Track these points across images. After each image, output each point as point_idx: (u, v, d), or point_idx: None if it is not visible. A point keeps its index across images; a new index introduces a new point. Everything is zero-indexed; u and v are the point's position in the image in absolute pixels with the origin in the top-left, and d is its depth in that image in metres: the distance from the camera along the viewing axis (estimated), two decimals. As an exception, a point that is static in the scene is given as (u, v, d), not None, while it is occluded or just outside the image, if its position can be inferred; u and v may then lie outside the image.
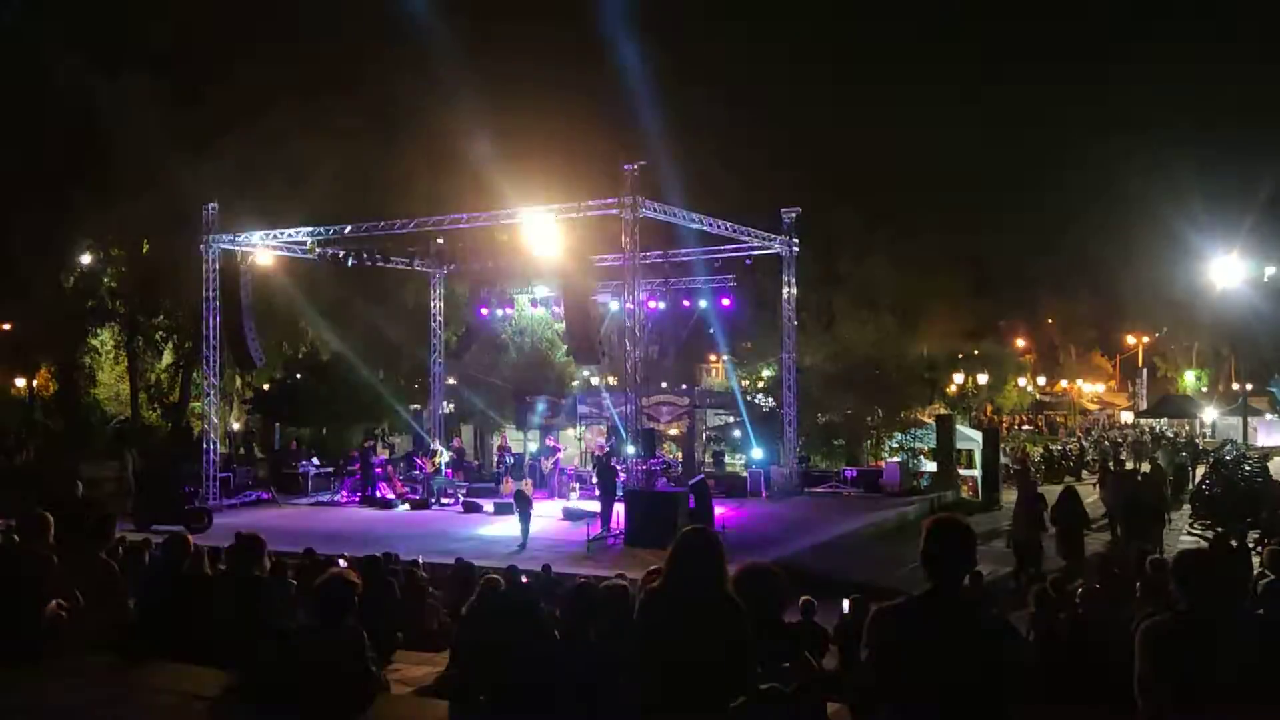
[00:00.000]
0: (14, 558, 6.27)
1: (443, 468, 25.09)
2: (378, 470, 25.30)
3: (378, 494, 24.60)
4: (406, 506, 23.86)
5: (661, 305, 29.03)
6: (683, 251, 26.97)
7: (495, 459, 28.38)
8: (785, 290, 26.48)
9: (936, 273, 40.44)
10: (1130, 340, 69.92)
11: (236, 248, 24.73)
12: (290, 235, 24.58)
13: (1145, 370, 65.17)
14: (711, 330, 30.84)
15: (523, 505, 19.39)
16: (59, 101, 29.48)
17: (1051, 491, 19.64)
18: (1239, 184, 50.92)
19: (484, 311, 30.93)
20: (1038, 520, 17.27)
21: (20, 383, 36.10)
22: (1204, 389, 58.65)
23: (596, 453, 24.54)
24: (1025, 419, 56.47)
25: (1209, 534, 18.40)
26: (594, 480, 22.16)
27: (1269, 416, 47.73)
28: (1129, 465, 32.59)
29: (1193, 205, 47.41)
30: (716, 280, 27.38)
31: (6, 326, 35.34)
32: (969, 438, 30.00)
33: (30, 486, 20.32)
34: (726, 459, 31.22)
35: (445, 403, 30.83)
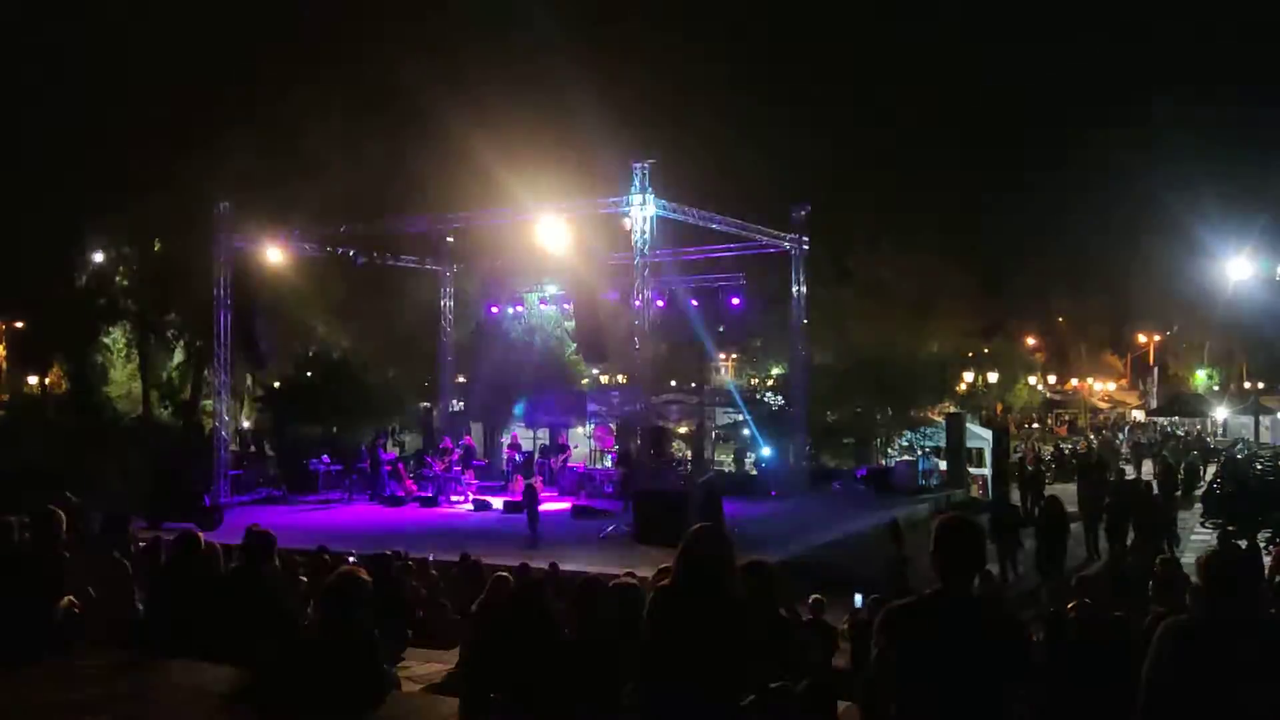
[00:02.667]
0: (28, 556, 6.30)
1: (452, 466, 25.13)
2: (387, 468, 25.35)
3: (388, 492, 24.65)
4: (416, 504, 23.91)
5: (671, 303, 29.00)
6: (692, 249, 26.92)
7: (505, 457, 28.40)
8: (795, 288, 26.43)
9: (947, 270, 40.31)
10: (1141, 338, 69.62)
11: (247, 246, 24.80)
12: (301, 233, 24.62)
13: (1156, 369, 64.91)
14: (721, 328, 30.77)
15: (532, 502, 19.43)
16: (71, 100, 29.63)
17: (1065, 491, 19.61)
18: (1252, 181, 50.67)
19: (494, 309, 30.96)
20: None
21: (33, 380, 36.31)
22: (1215, 387, 58.39)
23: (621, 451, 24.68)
24: (1036, 418, 56.30)
25: (1218, 533, 18.30)
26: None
27: (1281, 415, 47.44)
28: (1145, 465, 32.48)
29: (1205, 203, 47.21)
30: (726, 278, 27.34)
31: (20, 325, 35.55)
32: (979, 436, 29.94)
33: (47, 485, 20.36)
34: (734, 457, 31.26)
35: (455, 400, 30.87)
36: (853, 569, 15.90)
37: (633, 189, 20.08)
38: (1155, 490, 19.62)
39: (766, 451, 27.08)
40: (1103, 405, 65.84)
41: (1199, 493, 24.76)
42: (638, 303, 21.19)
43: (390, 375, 33.02)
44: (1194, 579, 4.21)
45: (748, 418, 27.98)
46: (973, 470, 29.04)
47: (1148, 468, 32.22)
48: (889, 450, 32.92)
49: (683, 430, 31.38)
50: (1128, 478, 24.06)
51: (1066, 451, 37.54)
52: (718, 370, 52.84)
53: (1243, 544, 14.69)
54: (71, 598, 6.20)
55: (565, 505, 22.70)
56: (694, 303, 29.39)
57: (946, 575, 3.62)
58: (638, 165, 20.15)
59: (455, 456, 25.38)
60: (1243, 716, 3.60)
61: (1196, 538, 19.67)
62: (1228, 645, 3.68)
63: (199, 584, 6.70)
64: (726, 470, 25.93)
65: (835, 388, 31.52)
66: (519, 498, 21.25)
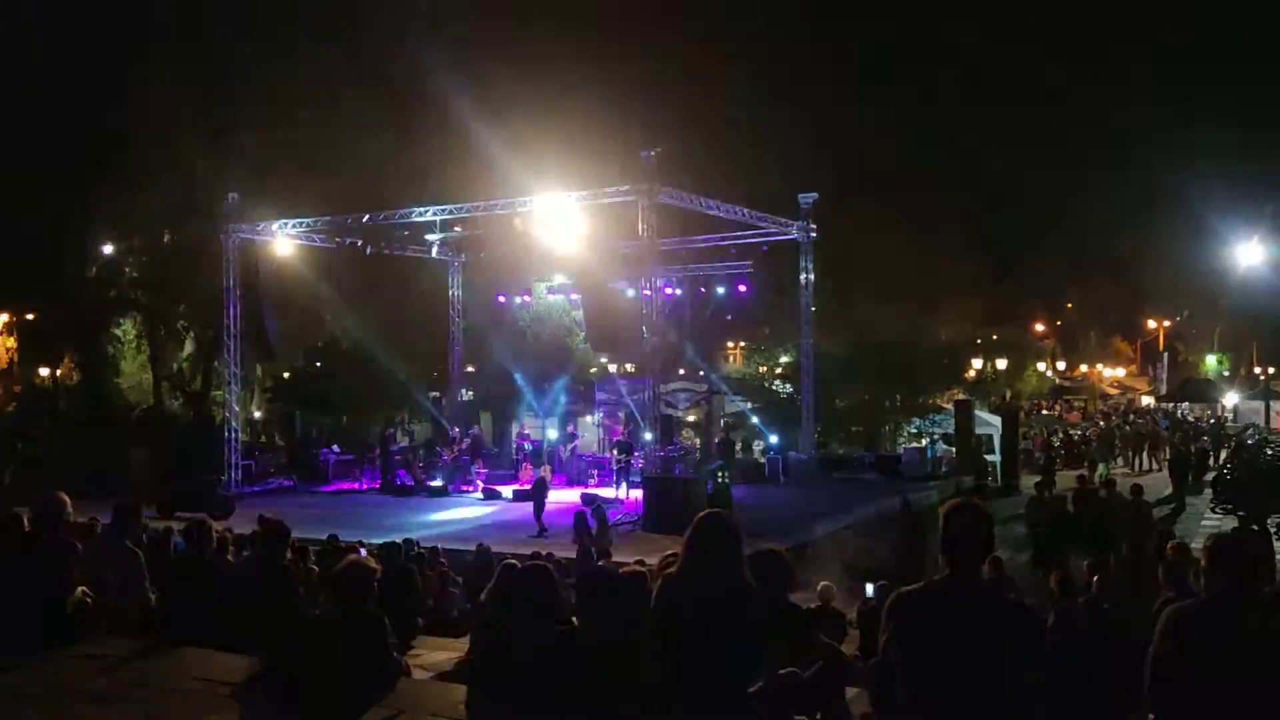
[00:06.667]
0: (43, 545, 6.34)
1: (461, 455, 25.18)
2: (397, 457, 25.43)
3: (398, 481, 24.72)
4: (426, 494, 23.99)
5: (679, 292, 29.01)
6: (700, 238, 26.87)
7: (514, 446, 28.47)
8: (803, 276, 26.38)
9: (956, 257, 40.19)
10: (1151, 324, 69.29)
11: (256, 237, 24.86)
12: (309, 224, 24.68)
13: (1166, 354, 64.60)
14: (730, 317, 30.77)
15: (540, 492, 19.50)
16: (81, 93, 29.64)
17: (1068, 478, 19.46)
18: (1263, 165, 50.25)
19: (502, 299, 30.99)
20: None
21: (44, 372, 36.43)
22: (1226, 373, 58.12)
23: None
24: (1045, 404, 56.13)
25: (1230, 519, 18.24)
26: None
27: (1292, 400, 47.13)
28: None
29: (1215, 187, 46.89)
30: (734, 266, 27.32)
31: (30, 316, 35.66)
32: (988, 423, 29.88)
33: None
34: (739, 446, 31.23)
35: (464, 390, 30.90)
36: (861, 556, 15.92)
37: (641, 178, 20.05)
38: (1141, 496, 15.16)
39: (774, 439, 27.09)
40: (1112, 391, 65.61)
41: (1209, 478, 24.72)
42: (646, 291, 21.20)
43: (399, 365, 33.11)
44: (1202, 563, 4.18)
45: (746, 410, 27.96)
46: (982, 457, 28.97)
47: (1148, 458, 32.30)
48: (898, 437, 32.89)
49: (691, 419, 31.37)
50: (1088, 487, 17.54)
51: (1076, 438, 37.40)
52: (727, 358, 52.86)
53: (1254, 528, 14.66)
54: (84, 588, 6.24)
55: (574, 494, 22.77)
56: (702, 291, 29.40)
57: (955, 560, 3.62)
58: (646, 153, 20.11)
59: (463, 446, 25.44)
60: (1247, 696, 3.60)
61: (1206, 524, 19.64)
62: (1232, 626, 3.68)
63: (211, 573, 6.75)
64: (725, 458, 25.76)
65: (844, 375, 31.48)
66: (529, 485, 21.34)
